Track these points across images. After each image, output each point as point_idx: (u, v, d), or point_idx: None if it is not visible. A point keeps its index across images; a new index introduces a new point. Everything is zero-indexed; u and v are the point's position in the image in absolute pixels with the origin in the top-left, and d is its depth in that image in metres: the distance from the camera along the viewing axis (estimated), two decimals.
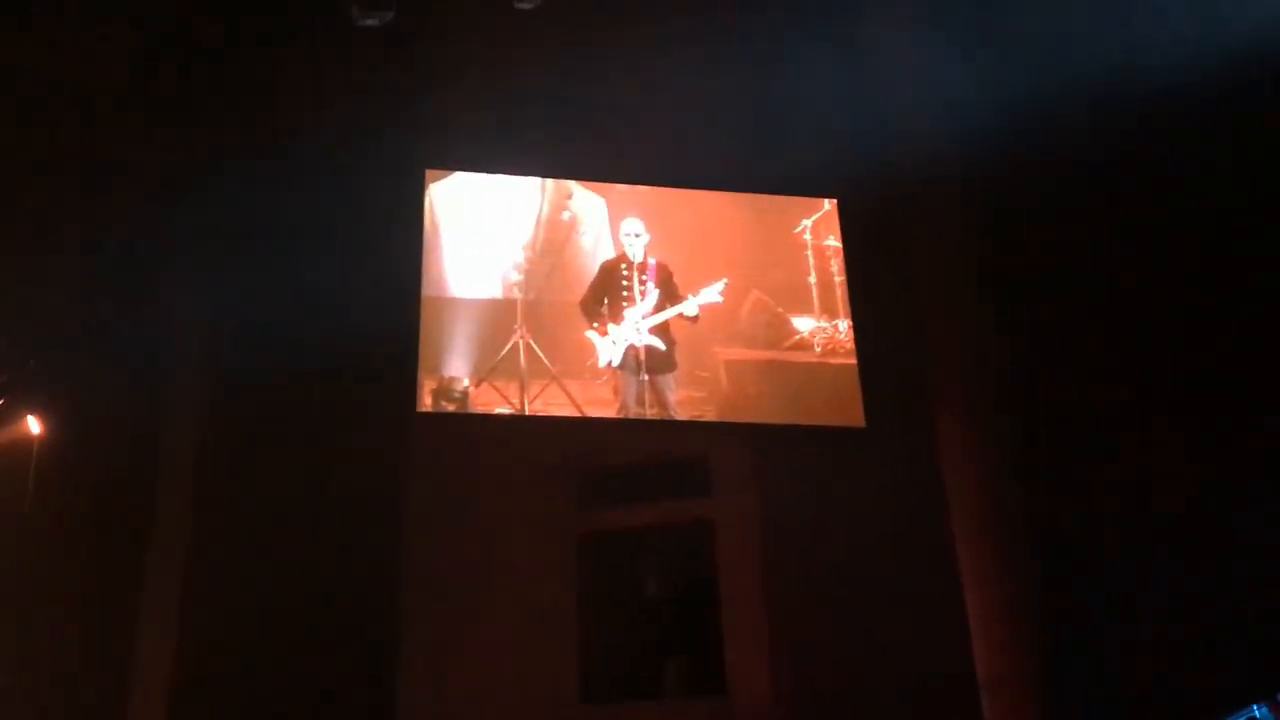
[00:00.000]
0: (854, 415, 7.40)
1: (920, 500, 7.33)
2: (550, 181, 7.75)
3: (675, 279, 7.52)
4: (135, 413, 7.34)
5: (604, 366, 7.30)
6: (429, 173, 7.58)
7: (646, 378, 7.31)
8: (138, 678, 6.85)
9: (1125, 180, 7.55)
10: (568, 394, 7.23)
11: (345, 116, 7.60)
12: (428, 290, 7.35)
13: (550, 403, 7.25)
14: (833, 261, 7.73)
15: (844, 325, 7.62)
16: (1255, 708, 6.31)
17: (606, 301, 7.46)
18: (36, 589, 6.71)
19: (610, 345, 7.34)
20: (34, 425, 6.66)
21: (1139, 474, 6.95)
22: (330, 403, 7.31)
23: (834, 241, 7.76)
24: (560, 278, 7.54)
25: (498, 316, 7.38)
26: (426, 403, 7.18)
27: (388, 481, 7.46)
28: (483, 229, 7.60)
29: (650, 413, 7.30)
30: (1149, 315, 7.30)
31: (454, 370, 7.22)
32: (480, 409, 7.22)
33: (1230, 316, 7.17)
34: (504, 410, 7.20)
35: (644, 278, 7.52)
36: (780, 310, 7.63)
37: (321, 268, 7.36)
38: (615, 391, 7.31)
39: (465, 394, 7.21)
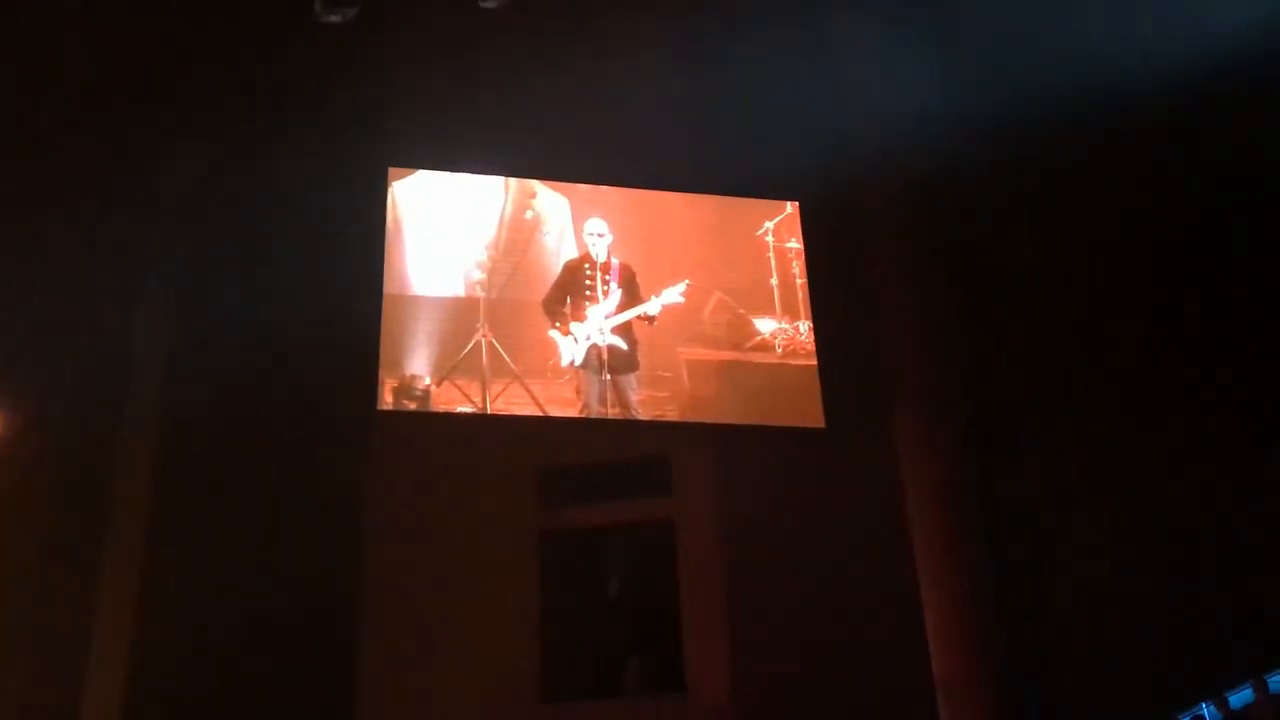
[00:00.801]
0: (814, 416, 7.50)
1: (879, 500, 7.49)
2: (514, 181, 7.82)
3: (638, 279, 7.61)
4: (91, 412, 7.33)
5: (566, 366, 7.35)
6: (392, 171, 7.61)
7: (609, 377, 7.38)
8: (93, 679, 6.83)
9: (1081, 180, 7.77)
10: (530, 393, 7.28)
11: (307, 115, 7.68)
12: (389, 288, 7.38)
13: (512, 402, 7.29)
14: (794, 263, 7.85)
15: (805, 326, 7.71)
16: (1204, 706, 6.80)
17: (569, 300, 7.52)
18: None
19: (573, 345, 7.40)
20: None
21: (1097, 473, 7.14)
22: (290, 400, 7.41)
23: (795, 244, 7.90)
24: (523, 277, 7.59)
25: (460, 315, 7.43)
26: (387, 401, 7.18)
27: (348, 480, 7.54)
28: (445, 227, 7.64)
29: (612, 412, 7.37)
30: (1105, 313, 7.51)
31: (415, 368, 7.25)
32: (442, 408, 7.26)
33: (1187, 310, 7.39)
34: (466, 409, 7.24)
35: (607, 277, 7.59)
36: (742, 311, 7.74)
37: (283, 265, 7.49)
38: (577, 391, 7.37)
39: (427, 392, 7.23)
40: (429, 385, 7.26)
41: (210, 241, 7.57)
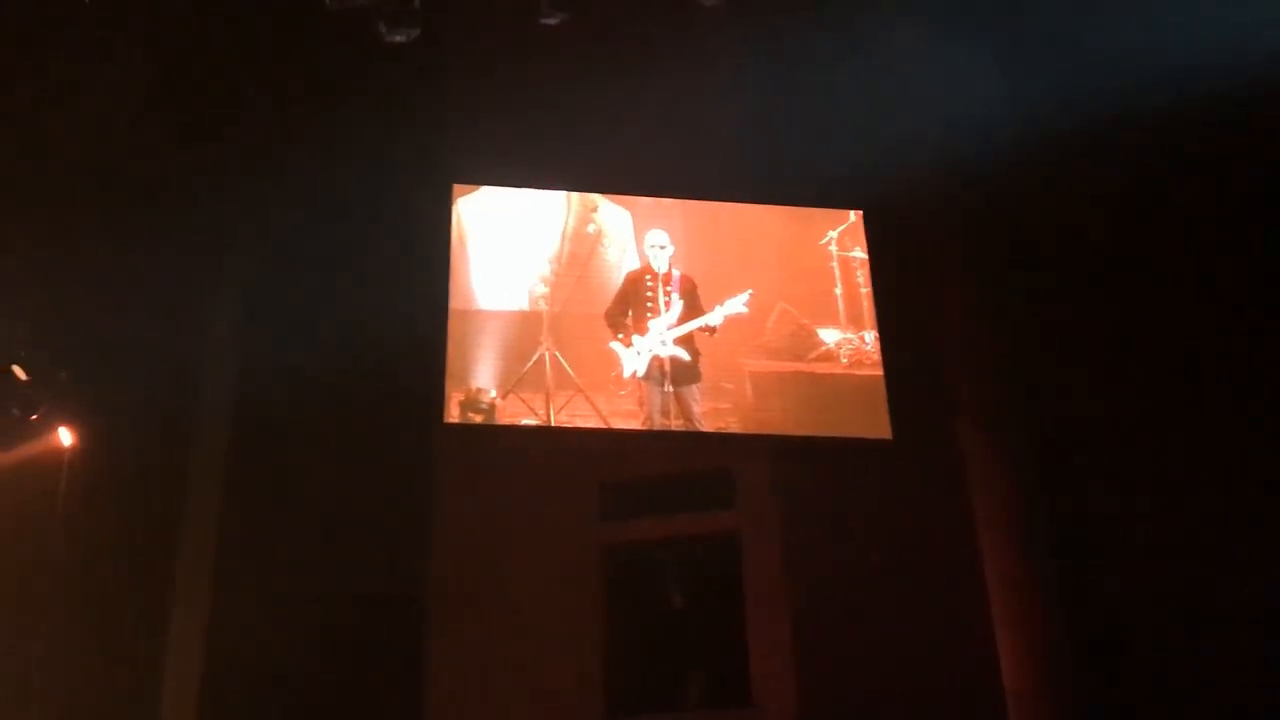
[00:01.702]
0: (880, 427, 7.46)
1: (946, 511, 7.46)
2: (576, 195, 7.92)
3: (700, 291, 7.66)
4: (165, 428, 7.53)
5: (628, 378, 7.41)
6: (456, 187, 7.75)
7: (671, 389, 7.42)
8: (168, 682, 7.05)
9: (1154, 188, 7.64)
10: (593, 405, 7.35)
11: (374, 133, 7.89)
12: (455, 303, 7.51)
13: (576, 414, 7.37)
14: (858, 273, 7.83)
15: (870, 337, 7.68)
16: None
17: (631, 313, 7.59)
18: (68, 596, 6.90)
19: (635, 356, 7.46)
20: (66, 436, 6.88)
21: (1166, 481, 7.03)
22: (358, 414, 7.61)
23: (860, 253, 7.86)
24: (585, 290, 7.68)
25: (524, 329, 7.52)
26: (453, 414, 7.29)
27: (415, 492, 7.79)
28: (509, 242, 7.77)
29: (675, 424, 7.40)
30: (1177, 323, 7.36)
31: (481, 382, 7.36)
32: (507, 420, 7.34)
33: (1259, 319, 7.23)
34: (530, 422, 7.31)
35: (669, 289, 7.63)
36: (806, 322, 7.72)
37: (351, 282, 7.67)
38: (640, 403, 7.41)
39: (492, 406, 7.32)
40: (494, 398, 7.34)
41: (278, 260, 7.75)
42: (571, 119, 7.75)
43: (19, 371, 6.52)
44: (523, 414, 7.36)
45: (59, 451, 6.92)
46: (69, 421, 6.86)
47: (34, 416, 6.65)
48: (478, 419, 7.40)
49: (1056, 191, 7.62)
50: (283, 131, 7.81)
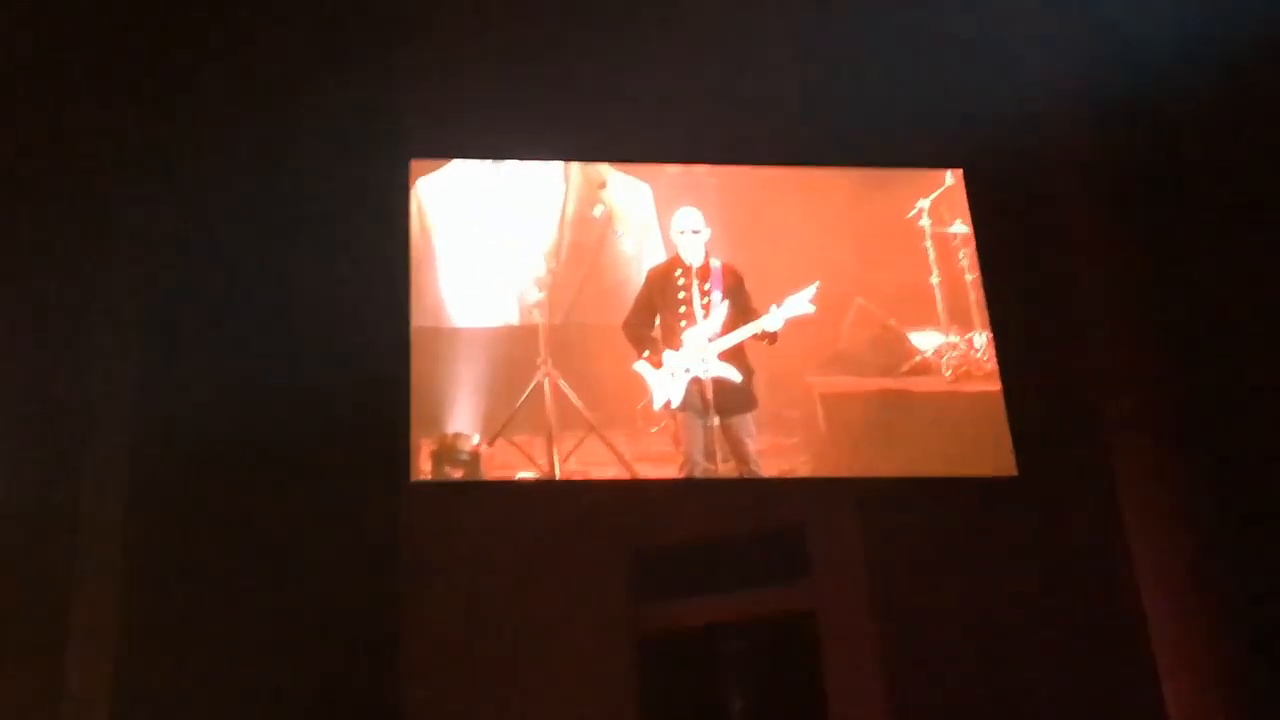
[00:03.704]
0: (1001, 460, 6.32)
1: (1097, 574, 6.20)
2: (576, 167, 6.80)
3: (749, 287, 6.50)
4: (49, 488, 6.21)
5: (660, 409, 6.32)
6: (414, 164, 6.63)
7: (717, 421, 6.31)
8: None
9: None
10: (612, 449, 6.29)
11: (304, 94, 6.47)
12: (420, 319, 6.40)
13: (590, 462, 6.35)
14: (961, 253, 6.69)
15: (981, 339, 6.57)
16: None
17: (659, 321, 6.44)
18: None
19: (667, 380, 6.33)
20: None
21: None
22: (294, 475, 6.14)
23: (962, 226, 6.73)
24: (594, 293, 6.61)
25: (514, 349, 6.47)
26: (424, 469, 6.23)
27: (376, 579, 6.27)
28: (489, 235, 6.69)
29: (724, 469, 6.32)
30: None
31: (459, 424, 6.29)
32: (497, 474, 6.31)
33: None
34: (528, 475, 6.26)
35: (707, 286, 6.46)
36: (893, 322, 6.61)
37: (280, 295, 6.34)
38: (676, 442, 6.34)
39: (475, 455, 6.28)
40: (478, 445, 6.31)
41: (187, 270, 6.33)
42: (567, 63, 6.48)
43: None
44: (518, 465, 6.32)
45: None
46: None
47: None
48: (457, 474, 6.36)
49: (1228, 139, 6.30)
50: (182, 102, 6.40)
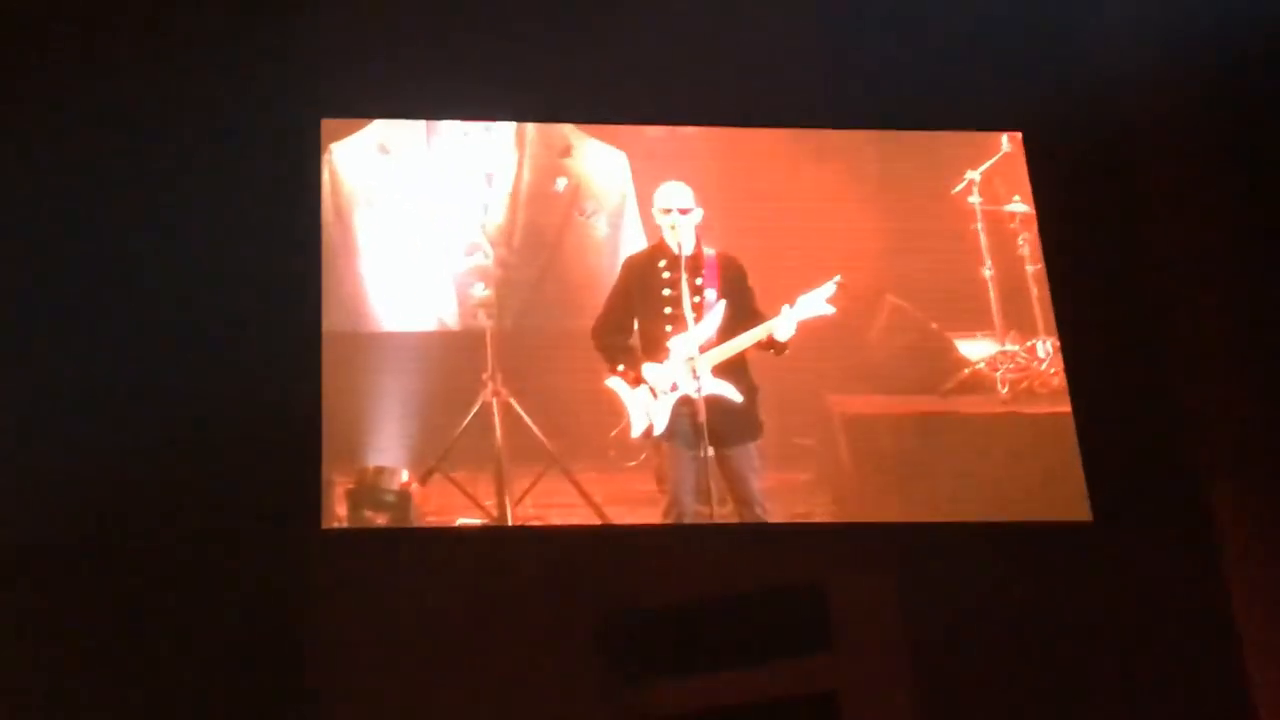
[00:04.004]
0: (1072, 501, 5.39)
1: (1191, 649, 5.32)
2: (532, 129, 5.81)
3: (751, 281, 5.56)
4: None
5: (639, 437, 5.39)
6: (326, 125, 5.59)
7: (711, 452, 5.37)
8: None
9: None
10: (578, 488, 5.37)
11: (189, 48, 5.53)
12: (332, 322, 5.38)
13: (550, 503, 5.45)
14: (1021, 238, 5.77)
15: (1047, 347, 5.65)
16: None
17: (639, 325, 5.50)
18: None
19: (648, 400, 5.40)
20: None
21: None
22: (173, 518, 5.13)
23: (1021, 205, 5.82)
24: (555, 290, 5.67)
25: (453, 361, 5.55)
26: (339, 513, 5.26)
27: (275, 657, 5.20)
28: (422, 215, 5.73)
29: (720, 513, 5.38)
30: None
31: (383, 456, 5.37)
32: (431, 520, 5.39)
33: None
34: (471, 521, 5.34)
35: (698, 281, 5.51)
36: (935, 325, 5.70)
37: (154, 293, 5.34)
38: (659, 479, 5.40)
39: (405, 495, 5.36)
40: (407, 483, 5.38)
41: (46, 269, 5.27)
42: None
43: None
44: (458, 507, 5.39)
45: None
46: None
47: None
48: (380, 520, 5.40)
49: None
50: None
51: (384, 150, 5.79)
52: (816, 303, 5.50)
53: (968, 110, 5.83)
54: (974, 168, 5.92)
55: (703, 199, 5.65)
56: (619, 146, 5.89)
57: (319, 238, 5.48)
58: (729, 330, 5.52)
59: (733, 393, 5.42)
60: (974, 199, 5.89)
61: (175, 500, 5.06)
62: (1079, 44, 5.76)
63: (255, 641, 5.15)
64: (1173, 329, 5.57)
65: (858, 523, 5.58)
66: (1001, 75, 5.70)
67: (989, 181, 5.93)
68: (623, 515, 5.47)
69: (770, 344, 5.47)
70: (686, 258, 5.53)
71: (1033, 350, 5.73)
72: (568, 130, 5.88)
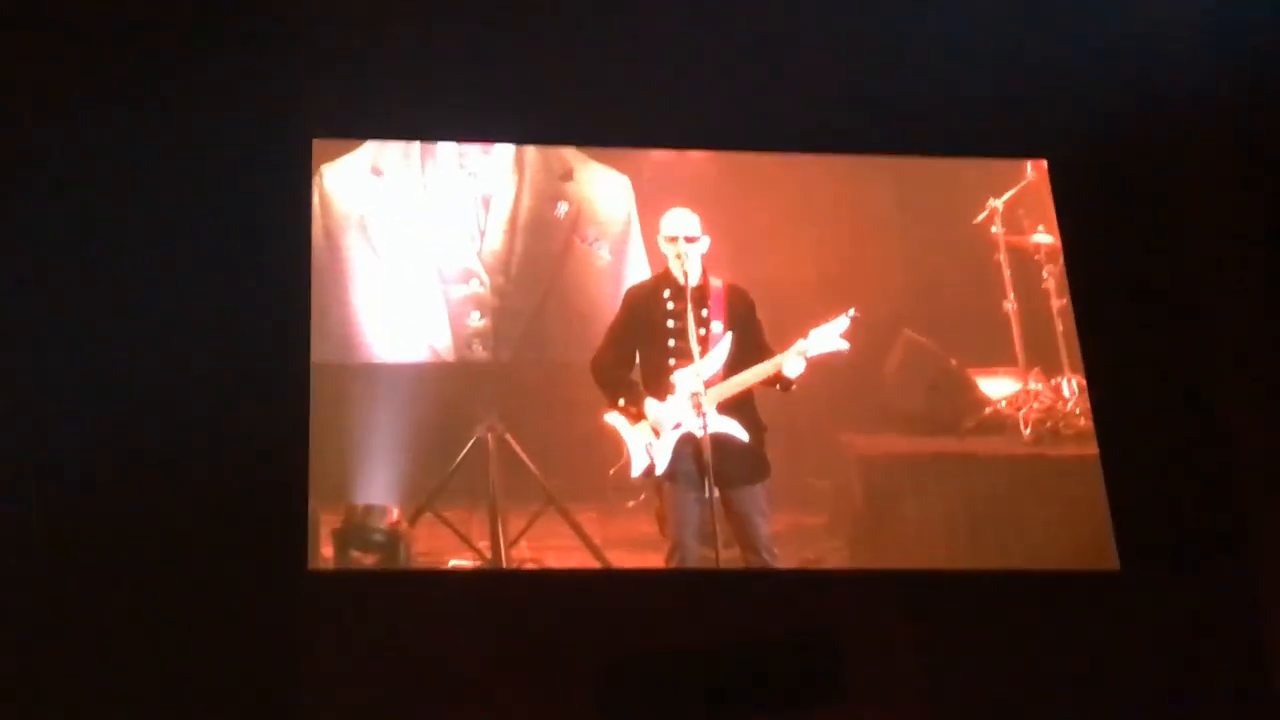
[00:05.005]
0: (1099, 549, 5.26)
1: (1225, 705, 5.09)
2: (531, 150, 5.69)
3: (761, 313, 5.41)
4: None
5: (639, 476, 5.23)
6: (318, 145, 5.49)
7: (717, 493, 5.18)
8: None
9: None
10: (576, 529, 5.25)
11: (174, 66, 5.40)
12: (321, 353, 5.26)
13: (547, 546, 5.35)
14: (1045, 271, 5.64)
15: (1072, 385, 5.53)
16: None
17: (641, 358, 5.35)
18: None
19: (649, 438, 5.25)
20: None
21: None
22: (151, 557, 4.95)
23: (1046, 236, 5.70)
24: (554, 321, 5.57)
25: (446, 393, 5.45)
26: (325, 554, 5.14)
27: (261, 698, 4.98)
28: (415, 240, 5.61)
29: (726, 558, 5.22)
30: None
31: (372, 493, 5.25)
32: (422, 561, 5.28)
33: None
34: (463, 563, 5.25)
35: (705, 312, 5.36)
36: (954, 362, 5.57)
37: (141, 322, 5.19)
38: (661, 521, 5.25)
39: (394, 534, 5.24)
40: (397, 522, 5.26)
41: (23, 295, 5.13)
42: (522, 12, 5.40)
43: None
44: (450, 548, 5.28)
45: None
46: None
47: None
48: (369, 561, 5.28)
49: None
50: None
51: (377, 172, 5.69)
52: (829, 337, 5.35)
53: (990, 136, 5.73)
54: (996, 196, 5.84)
55: (710, 227, 5.55)
56: (623, 170, 5.81)
57: (308, 263, 5.38)
58: (736, 365, 5.38)
59: (739, 431, 5.25)
60: (996, 229, 5.80)
61: (153, 538, 4.89)
62: (1105, 69, 5.61)
63: (238, 689, 4.98)
64: (1207, 368, 5.42)
65: (872, 569, 5.43)
66: (1026, 99, 5.59)
67: (1012, 210, 5.83)
68: (623, 559, 5.35)
69: (778, 379, 5.31)
70: (692, 288, 5.44)
71: (1058, 389, 5.63)
72: (569, 153, 5.79)
